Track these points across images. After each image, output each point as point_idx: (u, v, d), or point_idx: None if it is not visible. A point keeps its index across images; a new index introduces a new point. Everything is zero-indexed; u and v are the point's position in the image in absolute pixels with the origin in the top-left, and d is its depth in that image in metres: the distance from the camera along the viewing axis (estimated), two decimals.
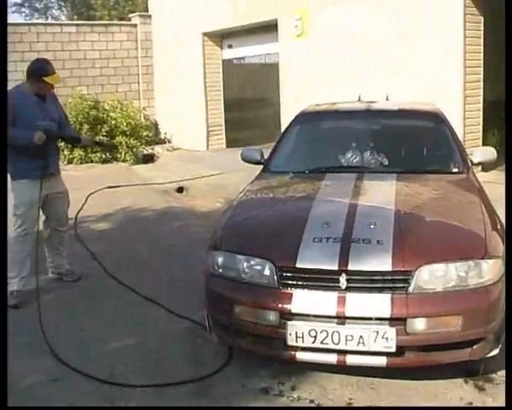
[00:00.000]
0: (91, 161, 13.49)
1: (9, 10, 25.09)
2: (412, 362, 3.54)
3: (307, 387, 3.74)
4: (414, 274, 3.43)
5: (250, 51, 13.91)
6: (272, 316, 3.54)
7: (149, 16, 15.80)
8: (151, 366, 4.07)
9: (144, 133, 14.73)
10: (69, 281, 5.72)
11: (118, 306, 5.13)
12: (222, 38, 14.36)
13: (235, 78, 14.56)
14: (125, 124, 14.23)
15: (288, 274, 3.55)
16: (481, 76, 9.63)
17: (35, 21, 19.65)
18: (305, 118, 5.65)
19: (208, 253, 3.96)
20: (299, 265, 3.53)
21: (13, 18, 25.73)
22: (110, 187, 10.32)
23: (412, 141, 5.19)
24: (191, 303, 4.95)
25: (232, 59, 14.54)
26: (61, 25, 15.60)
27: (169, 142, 15.37)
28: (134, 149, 14.13)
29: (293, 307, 3.48)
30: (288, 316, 3.50)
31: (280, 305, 3.52)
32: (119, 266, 6.11)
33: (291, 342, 3.50)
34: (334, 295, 3.45)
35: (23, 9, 26.06)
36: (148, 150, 14.49)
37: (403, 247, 3.55)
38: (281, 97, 12.29)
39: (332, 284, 3.47)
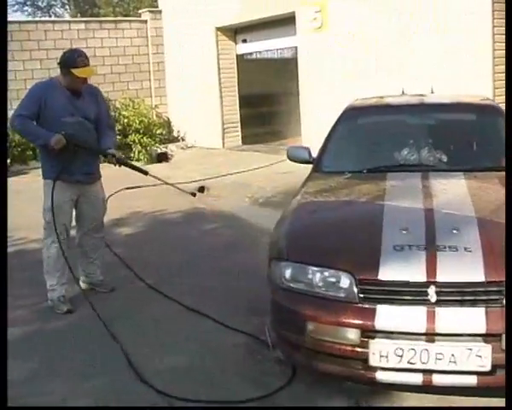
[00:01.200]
0: (104, 161, 13.13)
1: (11, 9, 24.76)
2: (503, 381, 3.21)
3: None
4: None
5: (265, 45, 13.56)
6: (352, 334, 3.22)
7: (159, 12, 15.42)
8: (208, 383, 3.76)
9: (158, 131, 14.40)
10: (102, 292, 5.37)
11: (161, 318, 4.81)
12: (236, 32, 13.99)
13: (250, 73, 14.19)
14: (137, 122, 13.92)
15: (370, 287, 3.22)
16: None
17: (43, 19, 19.19)
18: (354, 113, 5.30)
19: (273, 263, 3.62)
20: (381, 277, 3.20)
21: (15, 16, 25.39)
22: (128, 188, 9.99)
23: (472, 136, 4.85)
24: (238, 314, 4.65)
25: (247, 53, 14.18)
26: (69, 22, 15.24)
27: (182, 140, 15.03)
28: (147, 148, 13.82)
29: (377, 323, 3.16)
30: (370, 334, 3.18)
31: (361, 321, 3.19)
32: (151, 273, 5.78)
33: (374, 362, 3.18)
34: (422, 309, 3.13)
35: (25, 8, 25.71)
36: (161, 149, 14.18)
37: (495, 255, 3.22)
38: (300, 92, 11.94)
39: (420, 298, 3.15)
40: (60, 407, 3.47)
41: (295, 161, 5.20)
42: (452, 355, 3.08)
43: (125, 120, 13.87)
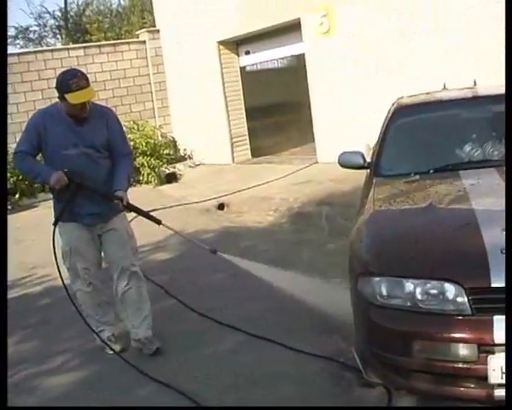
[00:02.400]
0: None
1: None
2: None
3: None
4: None
5: (269, 55, 13.28)
6: (467, 350, 2.92)
7: (158, 31, 15.15)
8: None
9: (164, 152, 14.10)
10: (147, 354, 4.48)
11: (230, 352, 4.43)
12: (237, 44, 13.72)
13: (255, 84, 13.92)
14: (144, 144, 13.62)
15: (483, 296, 2.93)
16: None
17: (41, 48, 18.89)
18: (405, 112, 5.03)
19: (362, 280, 3.31)
20: (495, 284, 2.91)
21: (9, 49, 25.09)
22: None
23: None
24: (306, 337, 4.34)
25: (250, 65, 13.92)
26: (68, 49, 14.90)
27: (190, 158, 14.73)
28: (156, 170, 13.53)
29: (496, 336, 2.86)
30: (488, 348, 2.88)
31: (478, 335, 2.90)
32: (201, 301, 5.42)
33: (495, 379, 2.88)
34: None
35: (17, 41, 25.36)
36: (169, 169, 13.89)
37: None
38: (311, 98, 11.67)
39: None
40: (60, 406, 3.20)
41: (348, 167, 4.91)
42: None
43: (132, 143, 13.56)
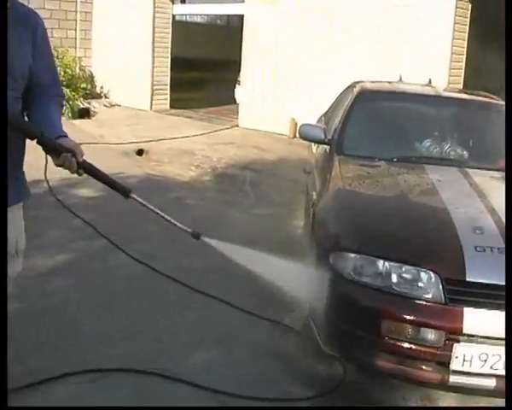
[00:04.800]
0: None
1: None
2: None
3: None
4: None
5: (206, 9, 13.10)
6: (434, 336, 3.09)
7: None
8: (247, 381, 3.50)
9: (81, 85, 13.58)
10: None
11: (176, 309, 4.36)
12: None
13: (186, 36, 13.69)
14: (62, 73, 13.03)
15: (457, 288, 3.10)
16: (463, 64, 9.57)
17: None
18: (369, 96, 5.18)
19: (336, 255, 3.39)
20: (469, 278, 3.09)
21: None
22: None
23: (495, 136, 4.83)
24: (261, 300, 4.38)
25: (184, 14, 13.65)
26: None
27: (106, 97, 14.28)
28: (70, 102, 13.01)
29: (465, 326, 3.04)
30: (455, 337, 3.06)
31: (448, 324, 3.07)
32: (136, 247, 5.32)
33: (456, 366, 3.07)
34: None
35: None
36: (84, 104, 13.42)
37: None
38: (242, 62, 11.65)
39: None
40: (60, 407, 3.15)
41: (307, 140, 4.99)
42: None
43: None
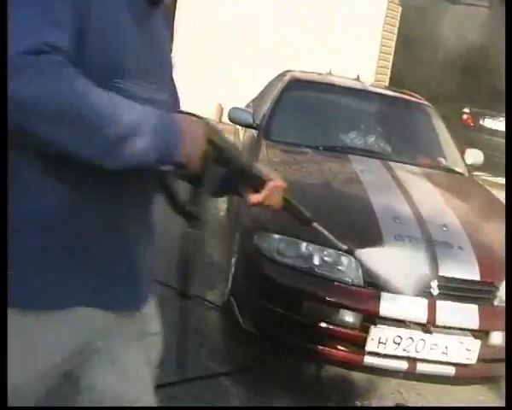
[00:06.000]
0: None
1: None
2: (478, 374, 3.42)
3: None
4: (499, 287, 3.30)
5: None
6: (352, 318, 3.21)
7: None
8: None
9: None
10: None
11: None
12: None
13: None
14: None
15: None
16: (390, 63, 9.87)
17: None
18: (298, 85, 5.26)
19: (260, 234, 3.45)
20: None
21: None
22: None
23: (418, 133, 5.06)
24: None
25: None
26: None
27: None
28: None
29: (381, 309, 3.16)
30: (372, 319, 3.18)
31: (366, 307, 3.20)
32: None
33: (371, 347, 3.19)
34: (424, 301, 3.20)
35: None
36: None
37: (486, 257, 3.39)
38: (175, 37, 11.54)
39: (423, 290, 3.20)
40: (60, 407, 3.10)
41: (236, 123, 5.03)
42: (446, 347, 3.19)
43: None
